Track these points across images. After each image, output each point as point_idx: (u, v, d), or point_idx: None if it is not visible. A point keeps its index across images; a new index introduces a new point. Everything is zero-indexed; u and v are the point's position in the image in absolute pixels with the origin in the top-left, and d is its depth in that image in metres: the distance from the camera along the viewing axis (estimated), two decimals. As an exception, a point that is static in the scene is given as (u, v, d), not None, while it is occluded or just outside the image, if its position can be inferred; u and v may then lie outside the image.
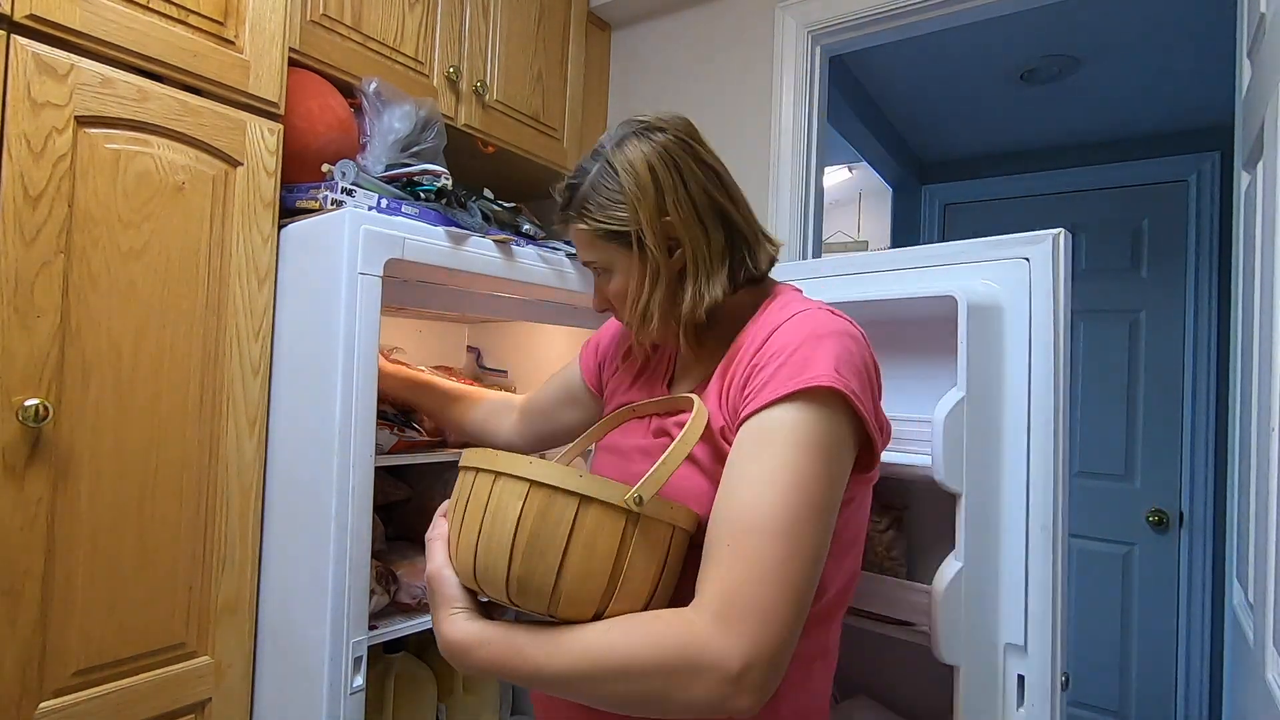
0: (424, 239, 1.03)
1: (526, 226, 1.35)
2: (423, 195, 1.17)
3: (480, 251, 1.12)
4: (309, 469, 0.96)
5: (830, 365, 0.62)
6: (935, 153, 2.86)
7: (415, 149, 1.32)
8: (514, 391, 1.65)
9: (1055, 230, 0.94)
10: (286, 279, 1.02)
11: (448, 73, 1.40)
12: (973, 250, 0.99)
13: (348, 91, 1.25)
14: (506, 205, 1.34)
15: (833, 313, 0.69)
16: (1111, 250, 2.55)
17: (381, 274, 0.97)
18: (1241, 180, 1.07)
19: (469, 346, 1.77)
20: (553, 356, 1.59)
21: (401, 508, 1.40)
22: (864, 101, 2.37)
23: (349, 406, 0.93)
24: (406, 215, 1.11)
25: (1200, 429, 2.37)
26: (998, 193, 2.77)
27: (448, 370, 1.44)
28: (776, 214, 1.60)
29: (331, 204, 1.01)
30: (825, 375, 0.61)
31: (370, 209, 1.06)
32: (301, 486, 0.98)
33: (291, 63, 1.11)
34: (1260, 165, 0.91)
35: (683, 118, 0.78)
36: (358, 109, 1.26)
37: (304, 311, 0.99)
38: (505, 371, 1.64)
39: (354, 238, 0.94)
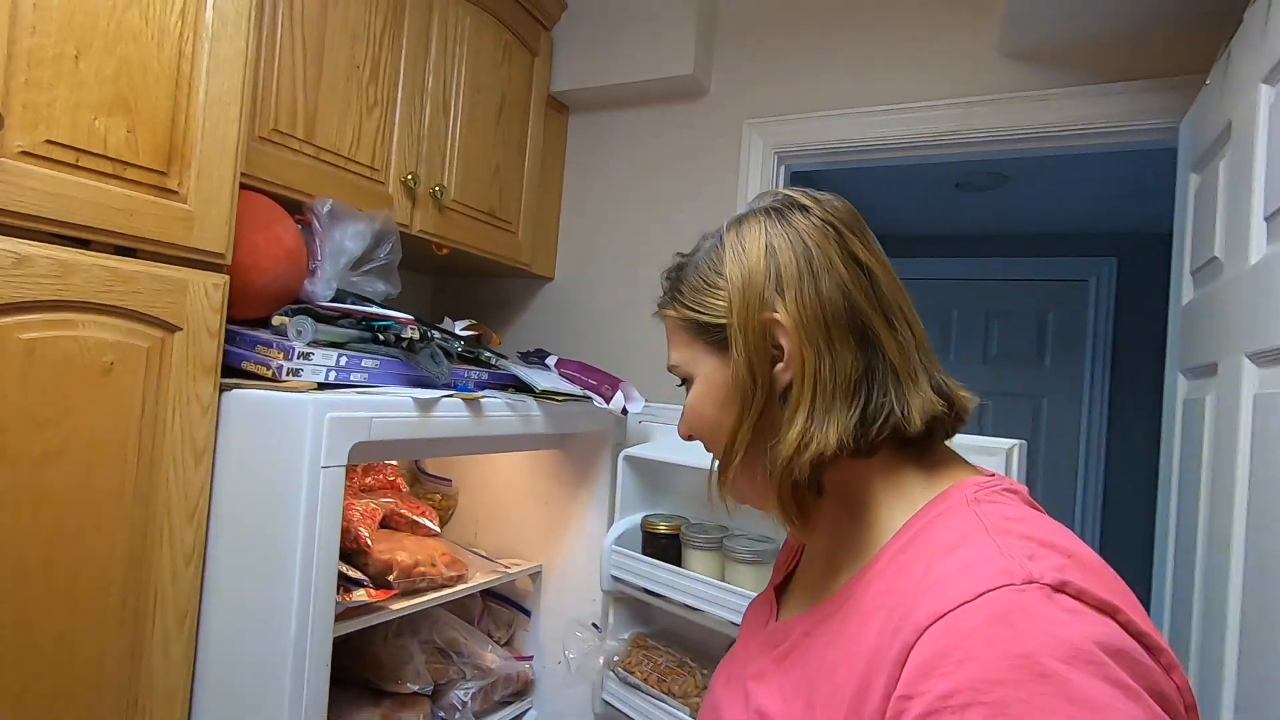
0: (391, 414, 0.95)
1: (486, 355, 1.28)
2: (380, 335, 1.08)
3: (449, 415, 1.04)
4: (253, 677, 0.86)
5: None
6: (874, 229, 2.97)
7: (368, 266, 1.22)
8: (455, 502, 1.56)
9: (1014, 441, 0.98)
10: (228, 453, 0.91)
11: (405, 179, 1.30)
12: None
13: (297, 207, 1.13)
14: (465, 337, 1.26)
15: (1062, 594, 0.39)
16: (1020, 337, 2.74)
17: (346, 462, 0.88)
18: (1190, 183, 1.15)
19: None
20: (502, 469, 1.52)
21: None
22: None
23: (306, 614, 0.84)
24: (367, 370, 1.02)
25: (1090, 510, 2.59)
26: (929, 273, 2.91)
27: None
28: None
29: (287, 374, 0.91)
30: None
31: (329, 370, 0.96)
32: (241, 698, 0.87)
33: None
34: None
35: (844, 201, 0.60)
36: (306, 225, 1.14)
37: (252, 496, 0.88)
38: (450, 480, 1.55)
39: (318, 428, 0.84)
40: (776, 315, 0.54)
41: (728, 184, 1.63)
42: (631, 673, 1.25)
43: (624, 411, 1.23)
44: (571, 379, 1.35)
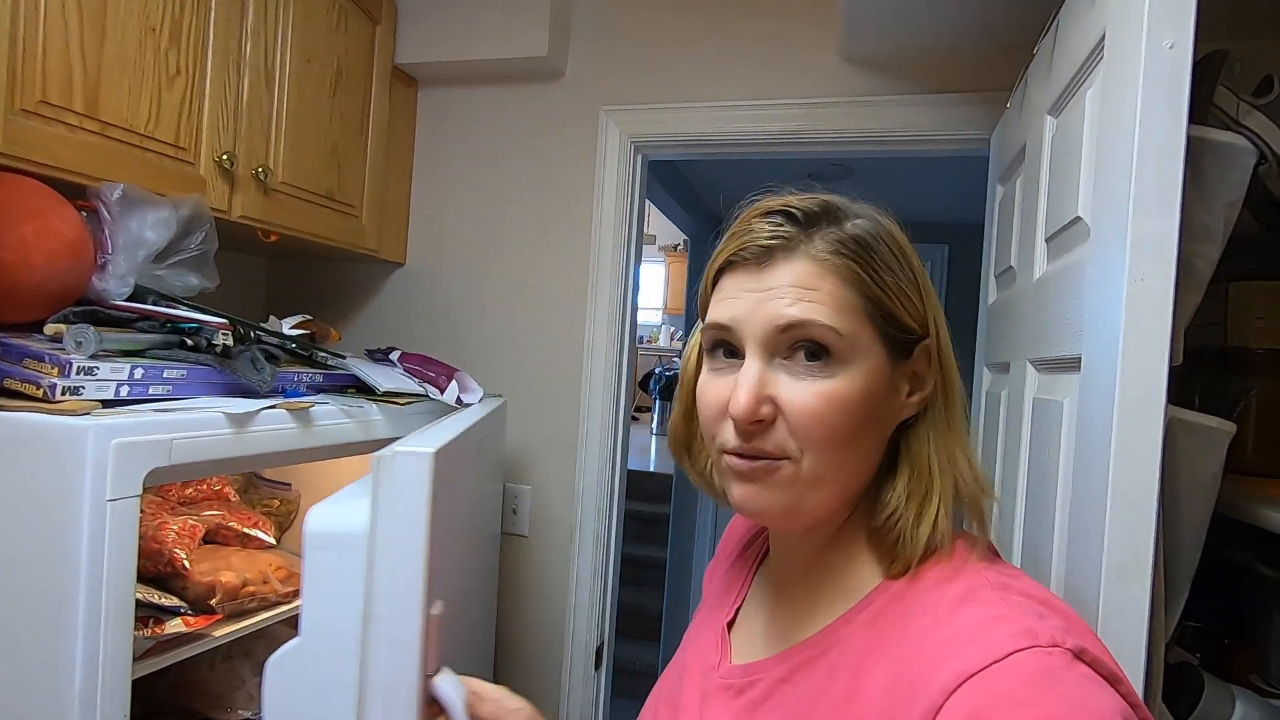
0: (198, 433, 0.86)
1: (321, 355, 1.19)
2: (190, 340, 0.97)
3: (272, 428, 0.96)
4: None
5: None
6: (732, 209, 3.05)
7: (177, 259, 1.09)
8: (296, 507, 1.46)
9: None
10: (-10, 484, 0.79)
11: (220, 159, 1.16)
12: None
13: (81, 192, 0.98)
14: (295, 336, 1.16)
15: (1080, 662, 0.39)
16: (867, 317, 2.96)
17: (141, 491, 0.78)
18: (997, 193, 1.26)
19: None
20: (352, 466, 1.43)
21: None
22: (673, 174, 2.45)
23: (95, 661, 0.75)
24: (171, 382, 0.91)
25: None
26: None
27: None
28: (595, 306, 1.58)
29: (63, 393, 0.79)
30: None
31: (120, 385, 0.85)
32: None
33: (-3, 173, 0.85)
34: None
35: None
36: (93, 213, 1.00)
37: (22, 539, 0.77)
38: (289, 485, 1.45)
39: (101, 456, 0.75)
40: (930, 343, 0.52)
41: (584, 171, 1.60)
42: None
43: (458, 402, 1.19)
44: (415, 374, 1.29)
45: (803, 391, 0.47)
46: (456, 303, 1.69)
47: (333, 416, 1.07)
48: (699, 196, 2.81)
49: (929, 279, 0.54)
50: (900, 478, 0.51)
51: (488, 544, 1.34)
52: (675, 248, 7.98)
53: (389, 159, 1.61)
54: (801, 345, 0.48)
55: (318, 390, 1.16)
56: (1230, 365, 0.92)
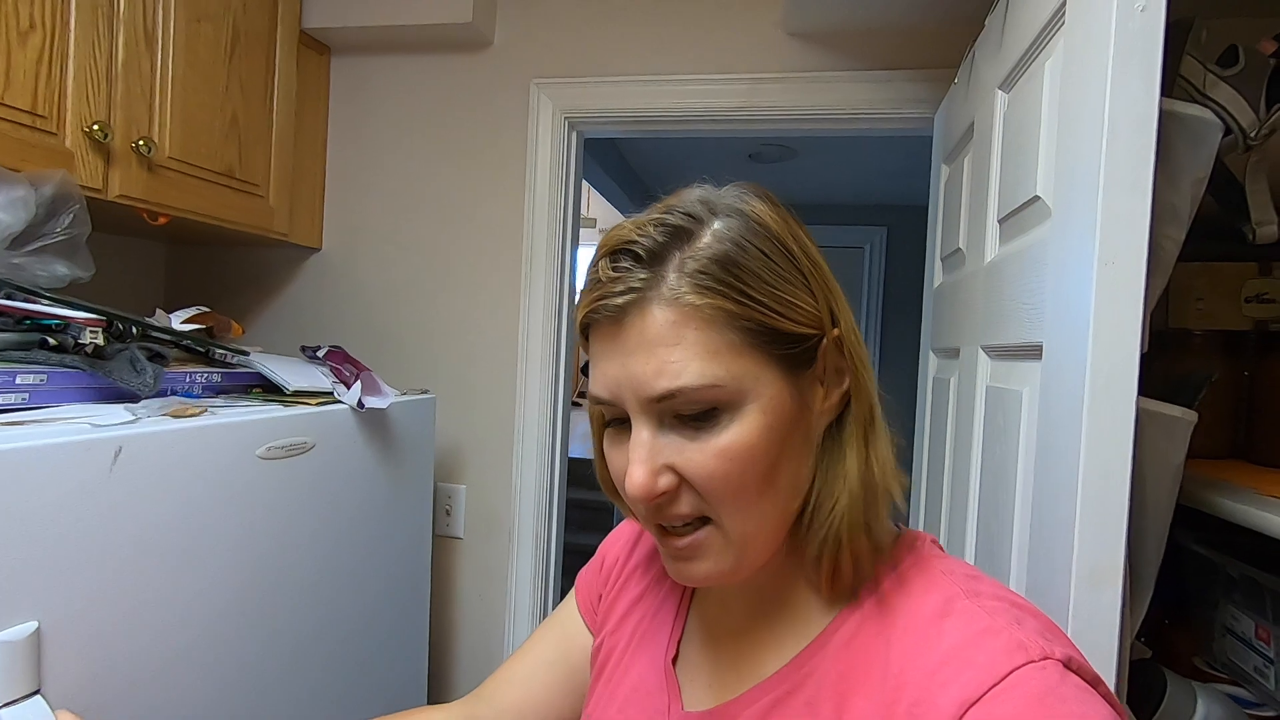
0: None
1: (220, 351, 1.07)
2: (52, 339, 0.84)
3: (155, 431, 0.84)
4: None
5: None
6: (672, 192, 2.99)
7: (39, 244, 0.95)
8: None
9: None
10: None
11: (90, 129, 1.02)
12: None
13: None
14: (188, 332, 1.04)
15: (1070, 671, 0.39)
16: (808, 300, 2.96)
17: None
18: (942, 173, 1.23)
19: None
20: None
21: None
22: (605, 144, 2.36)
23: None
24: (26, 389, 0.78)
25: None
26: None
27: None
28: (530, 292, 1.49)
29: (-121, 407, 0.66)
30: None
31: (-42, 395, 0.72)
32: None
33: None
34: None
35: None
36: (-72, 190, 0.85)
37: None
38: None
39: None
40: (838, 333, 0.46)
41: (515, 148, 1.50)
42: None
43: (360, 405, 1.08)
44: (336, 372, 1.18)
45: (698, 454, 0.42)
46: (379, 291, 1.57)
47: (233, 416, 0.94)
48: (639, 178, 2.73)
49: (819, 255, 0.47)
50: (829, 489, 0.46)
51: (374, 549, 1.25)
52: (616, 231, 7.88)
53: (299, 134, 1.47)
54: (682, 408, 0.43)
55: (217, 392, 1.04)
56: (1170, 348, 0.91)
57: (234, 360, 1.07)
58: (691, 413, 0.42)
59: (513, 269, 1.50)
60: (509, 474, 1.50)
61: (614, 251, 0.44)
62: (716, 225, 0.44)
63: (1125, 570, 0.55)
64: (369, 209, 1.57)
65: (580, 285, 0.48)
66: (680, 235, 0.43)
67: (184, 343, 1.05)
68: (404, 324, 1.55)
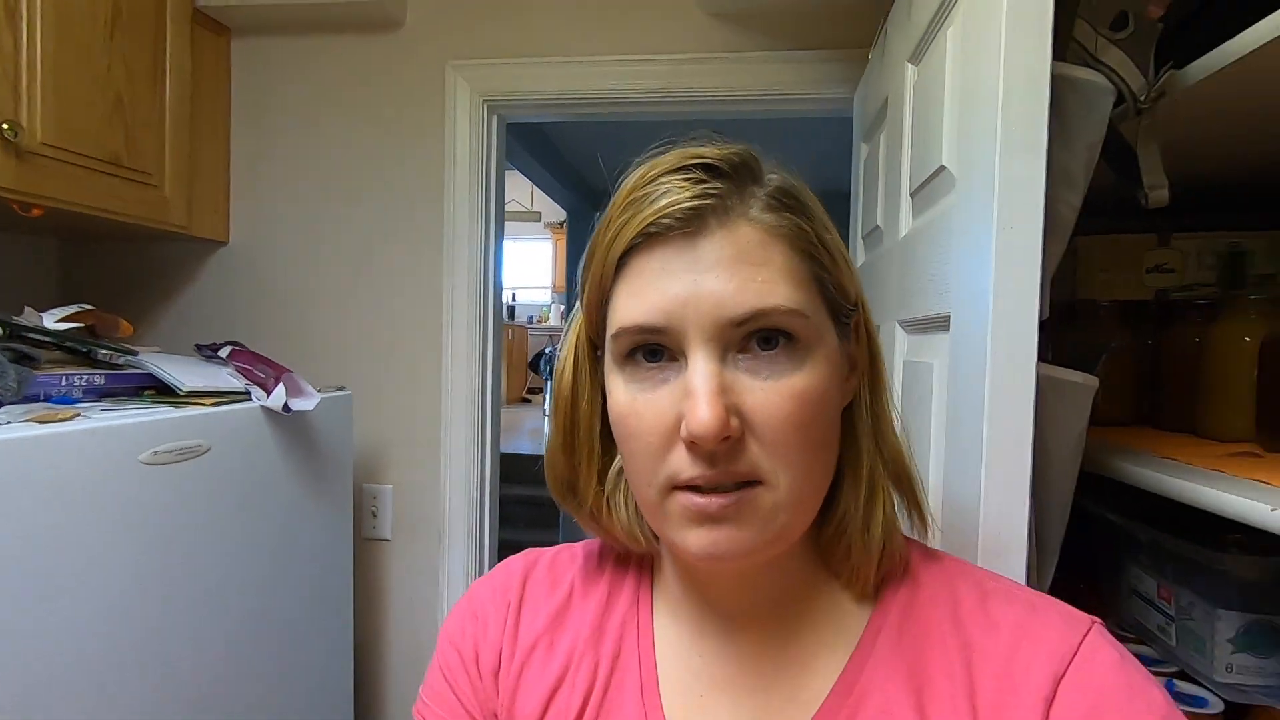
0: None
1: (103, 352, 0.99)
2: (-104, 341, 0.76)
3: (14, 437, 0.76)
4: None
5: None
6: (598, 182, 2.95)
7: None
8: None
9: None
10: None
11: (-59, 111, 0.92)
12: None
13: None
14: (65, 331, 0.95)
15: (1125, 658, 0.39)
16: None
17: None
18: (861, 152, 1.23)
19: None
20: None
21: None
22: (537, 137, 2.31)
23: None
24: None
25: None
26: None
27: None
28: (453, 283, 1.44)
29: None
30: None
31: None
32: None
33: None
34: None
35: None
36: None
37: None
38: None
39: None
40: (859, 317, 0.44)
41: (433, 133, 1.44)
42: None
43: (286, 409, 1.02)
44: (245, 374, 1.11)
45: (773, 394, 0.37)
46: (291, 286, 1.49)
47: (110, 420, 0.87)
48: (575, 169, 2.68)
49: None
50: (844, 476, 0.43)
51: (287, 555, 1.19)
52: (561, 224, 7.81)
53: (198, 120, 1.38)
54: (758, 334, 0.38)
55: (101, 394, 0.96)
56: (1079, 320, 0.93)
57: (121, 361, 1.00)
58: (766, 347, 0.38)
59: (434, 258, 1.45)
60: (437, 472, 1.45)
61: (684, 166, 0.39)
62: (772, 172, 0.41)
63: (1030, 537, 0.55)
64: (279, 200, 1.49)
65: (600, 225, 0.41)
66: (750, 162, 0.40)
67: (65, 344, 0.97)
68: (318, 319, 1.48)
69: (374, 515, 1.46)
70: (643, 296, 0.38)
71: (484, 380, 1.46)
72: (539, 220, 7.65)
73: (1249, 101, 0.60)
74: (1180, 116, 0.62)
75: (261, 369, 1.06)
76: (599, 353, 0.43)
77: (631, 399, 0.39)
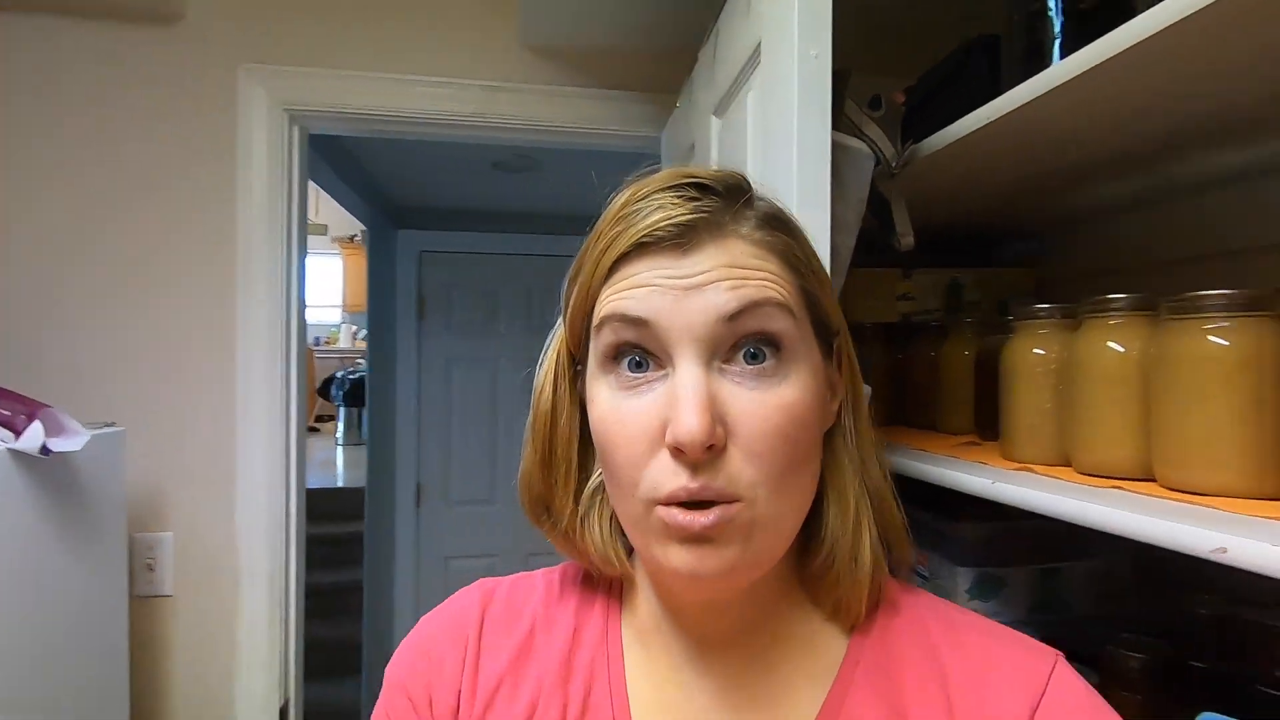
0: None
1: None
2: None
3: None
4: None
5: None
6: (414, 199, 2.85)
7: None
8: None
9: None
10: None
11: None
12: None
13: None
14: None
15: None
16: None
17: None
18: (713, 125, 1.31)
19: None
20: None
21: None
22: (334, 143, 2.18)
23: None
24: None
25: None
26: (472, 246, 2.96)
27: None
28: (248, 305, 1.32)
29: None
30: None
31: None
32: None
33: None
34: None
35: None
36: None
37: None
38: None
39: None
40: (839, 340, 0.45)
41: (223, 143, 1.31)
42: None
43: (44, 451, 0.88)
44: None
45: (759, 404, 0.37)
46: (49, 311, 1.26)
47: None
48: (377, 181, 2.56)
49: None
50: (830, 503, 0.43)
51: (37, 624, 1.04)
52: (352, 239, 7.28)
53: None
54: (744, 343, 0.38)
55: None
56: (853, 340, 1.11)
57: None
58: (753, 361, 0.37)
59: (225, 276, 1.31)
60: (230, 513, 1.31)
61: (674, 185, 0.39)
62: (763, 195, 0.43)
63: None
64: (34, 212, 1.25)
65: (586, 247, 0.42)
66: (742, 184, 0.42)
67: None
68: (81, 346, 1.27)
69: (150, 569, 1.27)
70: (630, 292, 0.38)
71: (288, 408, 1.35)
72: (325, 234, 7.08)
73: (964, 166, 0.78)
74: (920, 179, 0.79)
75: (12, 407, 0.89)
76: (579, 367, 0.44)
77: (615, 406, 0.39)
